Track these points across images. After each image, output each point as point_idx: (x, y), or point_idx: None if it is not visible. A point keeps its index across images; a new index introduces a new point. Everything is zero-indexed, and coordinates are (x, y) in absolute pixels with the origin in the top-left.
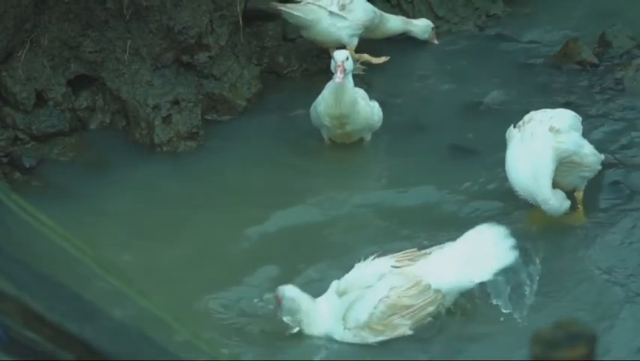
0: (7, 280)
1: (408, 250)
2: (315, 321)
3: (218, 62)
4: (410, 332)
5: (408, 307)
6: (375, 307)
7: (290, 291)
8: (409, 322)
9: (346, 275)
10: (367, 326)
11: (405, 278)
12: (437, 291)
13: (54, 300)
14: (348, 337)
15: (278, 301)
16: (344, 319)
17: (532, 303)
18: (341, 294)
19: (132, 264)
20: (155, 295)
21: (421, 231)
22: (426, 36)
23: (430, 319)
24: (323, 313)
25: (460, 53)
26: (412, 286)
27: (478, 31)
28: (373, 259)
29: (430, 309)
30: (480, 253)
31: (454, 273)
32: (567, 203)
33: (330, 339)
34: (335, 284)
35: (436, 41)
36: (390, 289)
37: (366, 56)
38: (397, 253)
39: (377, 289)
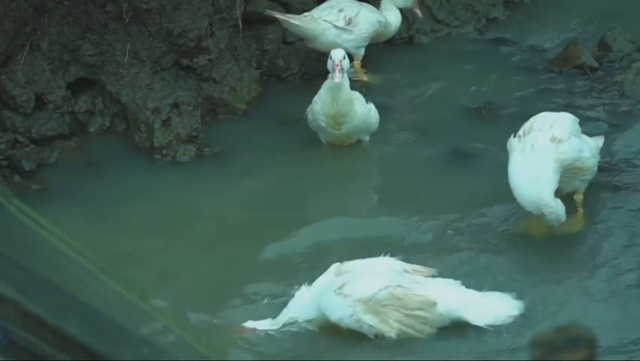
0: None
1: (419, 266)
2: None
3: (218, 66)
4: (394, 337)
5: (406, 307)
6: (380, 290)
7: None
8: (396, 325)
9: (351, 261)
10: (367, 301)
11: (416, 286)
12: (440, 315)
13: (54, 303)
14: (341, 304)
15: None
16: (342, 287)
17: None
18: (341, 274)
19: (133, 266)
20: (156, 298)
21: (422, 234)
22: (408, 4)
23: (414, 333)
24: (316, 285)
25: (459, 56)
26: (420, 295)
27: (478, 34)
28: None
29: (421, 326)
30: (489, 301)
31: (460, 305)
32: (564, 217)
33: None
34: (336, 266)
35: (419, 13)
36: (398, 285)
37: (364, 76)
38: (410, 264)
39: (386, 277)
